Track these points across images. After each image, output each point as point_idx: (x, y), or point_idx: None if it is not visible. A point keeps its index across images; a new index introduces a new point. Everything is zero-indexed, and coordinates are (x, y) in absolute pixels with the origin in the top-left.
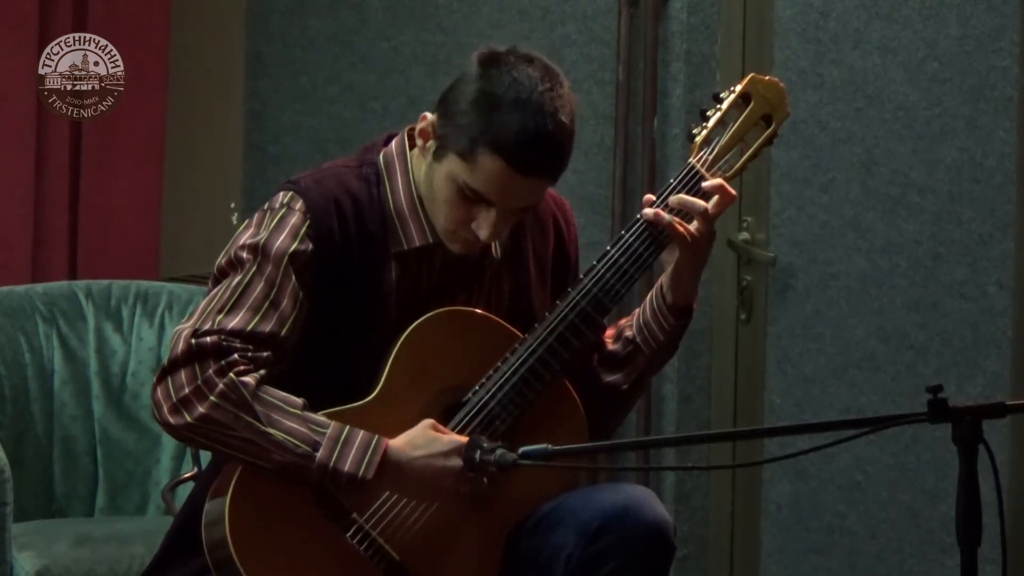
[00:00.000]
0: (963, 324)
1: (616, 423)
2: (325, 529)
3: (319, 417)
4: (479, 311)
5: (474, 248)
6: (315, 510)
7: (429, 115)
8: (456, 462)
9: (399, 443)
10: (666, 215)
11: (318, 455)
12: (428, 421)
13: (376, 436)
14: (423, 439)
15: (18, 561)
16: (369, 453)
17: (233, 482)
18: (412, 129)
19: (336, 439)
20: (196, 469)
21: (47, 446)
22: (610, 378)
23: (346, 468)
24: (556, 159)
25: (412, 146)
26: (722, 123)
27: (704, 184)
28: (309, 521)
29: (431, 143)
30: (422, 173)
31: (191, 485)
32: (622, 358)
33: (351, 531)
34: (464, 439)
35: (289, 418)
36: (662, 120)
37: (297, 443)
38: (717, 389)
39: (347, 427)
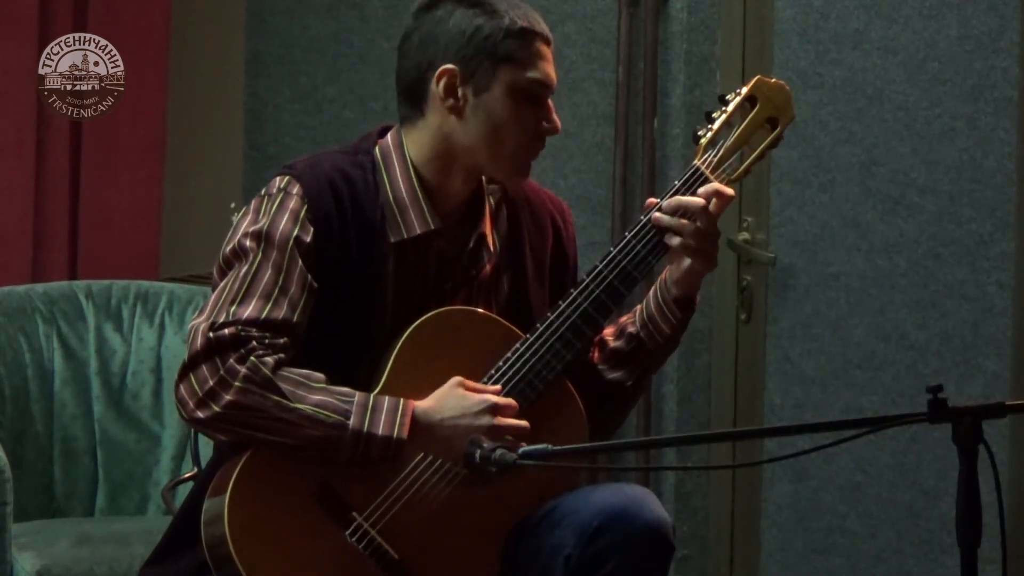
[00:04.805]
0: (963, 324)
1: (618, 422)
2: (324, 527)
3: (342, 388)
4: (480, 310)
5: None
6: (315, 508)
7: (443, 71)
8: (487, 420)
9: (427, 404)
10: (670, 219)
11: (351, 423)
12: (456, 379)
13: (400, 399)
14: (452, 397)
15: (18, 561)
16: (399, 415)
17: (232, 480)
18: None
19: (365, 405)
20: (196, 469)
21: (47, 446)
22: (614, 375)
23: (380, 432)
24: None
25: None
26: (727, 125)
27: (700, 190)
28: (308, 519)
29: (468, 88)
30: (439, 144)
31: (191, 485)
32: (626, 354)
33: (350, 529)
34: (495, 393)
35: (315, 392)
36: (662, 120)
37: (328, 414)
38: (717, 389)
39: (371, 394)
